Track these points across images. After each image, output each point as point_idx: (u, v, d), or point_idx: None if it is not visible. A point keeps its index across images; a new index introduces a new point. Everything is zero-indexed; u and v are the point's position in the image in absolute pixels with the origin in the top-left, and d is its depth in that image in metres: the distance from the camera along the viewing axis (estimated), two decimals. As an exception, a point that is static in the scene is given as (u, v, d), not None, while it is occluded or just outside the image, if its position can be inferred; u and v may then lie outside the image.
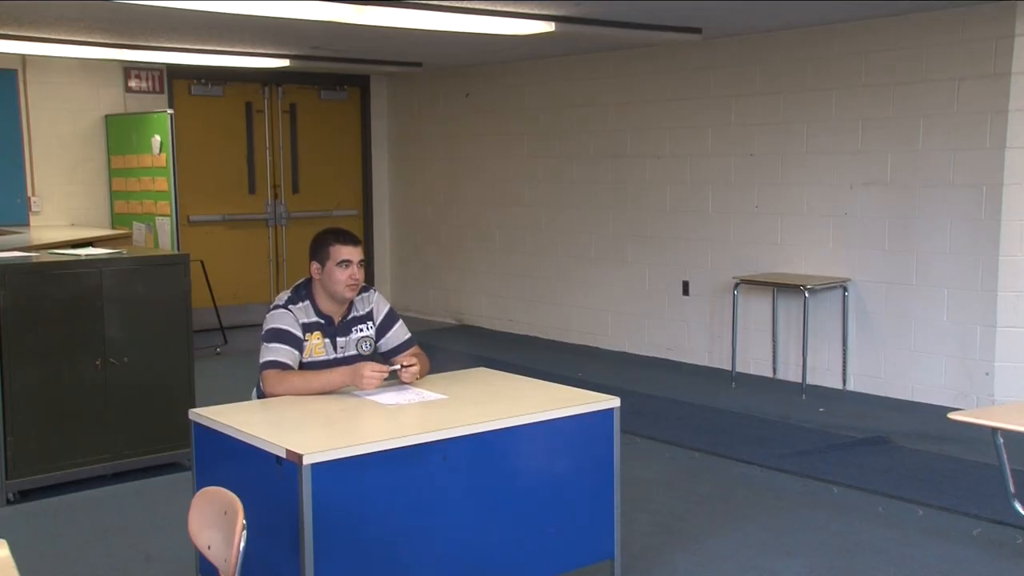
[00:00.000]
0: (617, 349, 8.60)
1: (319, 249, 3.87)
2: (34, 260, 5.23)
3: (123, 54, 7.89)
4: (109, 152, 8.75)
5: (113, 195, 8.76)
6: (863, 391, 7.02)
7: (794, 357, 7.39)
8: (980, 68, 6.30)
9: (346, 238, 3.88)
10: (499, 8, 5.99)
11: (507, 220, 9.56)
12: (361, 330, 3.97)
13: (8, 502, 4.94)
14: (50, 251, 5.81)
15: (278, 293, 4.02)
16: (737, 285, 7.45)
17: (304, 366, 3.82)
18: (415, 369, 3.83)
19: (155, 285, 5.37)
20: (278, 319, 3.81)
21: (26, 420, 4.97)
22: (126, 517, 4.81)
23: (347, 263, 3.82)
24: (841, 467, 5.42)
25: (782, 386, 7.32)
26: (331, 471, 3.01)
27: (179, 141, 7.94)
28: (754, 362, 7.67)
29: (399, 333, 4.04)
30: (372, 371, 3.64)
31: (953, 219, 6.53)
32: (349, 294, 3.86)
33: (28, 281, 4.98)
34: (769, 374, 7.56)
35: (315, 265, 3.87)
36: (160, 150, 7.95)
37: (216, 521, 2.58)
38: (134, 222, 8.35)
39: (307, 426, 3.40)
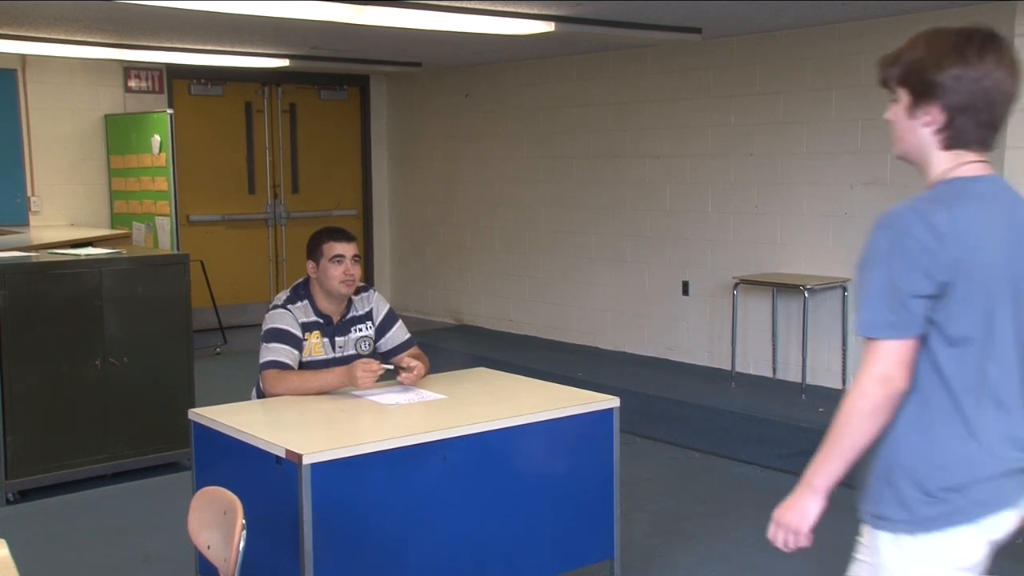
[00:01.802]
0: (617, 349, 8.60)
1: (314, 247, 3.90)
2: (34, 260, 5.23)
3: (123, 54, 7.89)
4: (109, 152, 8.75)
5: (113, 195, 8.76)
6: (863, 391, 7.01)
7: (794, 357, 7.39)
8: (980, 68, 6.30)
9: (339, 235, 3.91)
10: (499, 8, 5.99)
11: (507, 220, 9.56)
12: (360, 330, 3.97)
13: (8, 502, 4.94)
14: (50, 251, 5.81)
15: (277, 293, 4.03)
16: (737, 285, 7.45)
17: (303, 365, 3.82)
18: (416, 375, 3.83)
19: (155, 285, 5.37)
20: (277, 319, 3.82)
21: (26, 420, 4.97)
22: (126, 517, 4.81)
23: (340, 259, 3.84)
24: (841, 467, 5.42)
25: (782, 386, 7.32)
26: (331, 471, 3.01)
27: (179, 141, 7.94)
28: (754, 362, 7.67)
29: (399, 333, 4.04)
30: (364, 369, 3.64)
31: (953, 219, 6.52)
32: (345, 290, 3.87)
33: (28, 281, 4.98)
34: (769, 374, 7.56)
35: (311, 264, 3.90)
36: (160, 150, 7.95)
37: (216, 521, 2.58)
38: (134, 222, 8.35)
39: (307, 426, 3.40)
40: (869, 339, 2.02)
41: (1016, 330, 2.05)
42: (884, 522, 2.06)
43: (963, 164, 2.06)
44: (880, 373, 2.00)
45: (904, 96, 2.08)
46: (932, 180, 2.08)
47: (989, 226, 2.02)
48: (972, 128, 2.03)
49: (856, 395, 2.03)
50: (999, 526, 2.03)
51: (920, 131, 2.07)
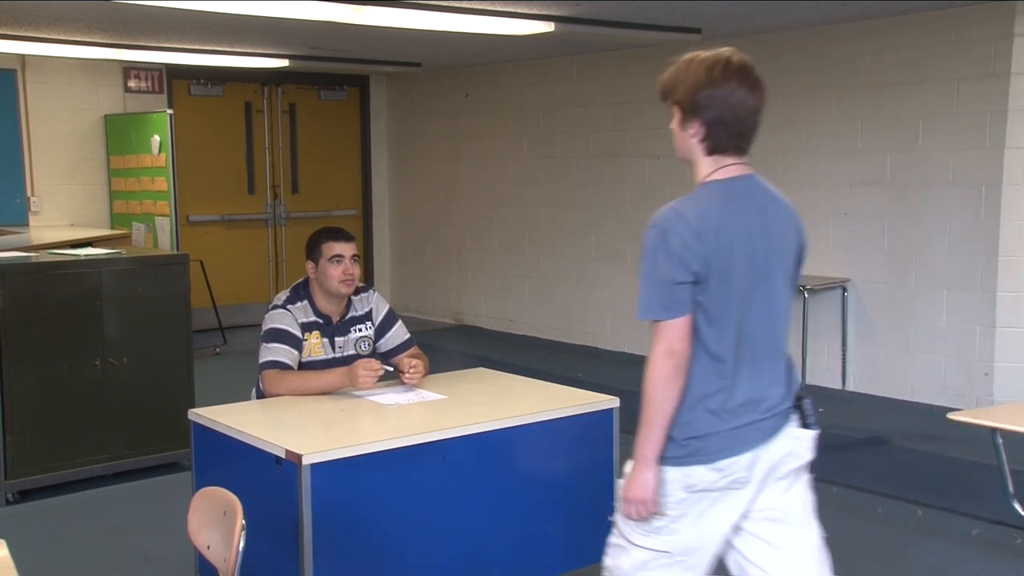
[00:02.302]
0: (617, 349, 8.60)
1: (312, 248, 3.90)
2: (34, 260, 5.23)
3: (123, 54, 7.89)
4: (108, 152, 8.75)
5: (112, 195, 8.76)
6: (862, 391, 7.02)
7: (794, 357, 7.38)
8: (979, 68, 6.30)
9: (337, 234, 3.91)
10: (499, 8, 6.00)
11: (507, 220, 9.56)
12: (360, 330, 3.97)
13: (8, 502, 4.94)
14: (50, 251, 5.81)
15: (277, 293, 4.03)
16: (737, 285, 7.44)
17: (303, 366, 3.82)
18: (419, 374, 3.83)
19: (155, 285, 5.37)
20: (277, 319, 3.82)
21: (26, 420, 4.97)
22: (126, 517, 4.81)
23: (339, 258, 3.84)
24: (841, 467, 5.42)
25: (782, 386, 7.30)
26: (331, 471, 3.01)
27: (178, 141, 7.94)
28: (754, 362, 7.66)
29: (399, 333, 4.04)
30: (366, 369, 3.64)
31: (953, 219, 6.53)
32: (344, 290, 3.87)
33: (28, 281, 4.98)
34: (769, 374, 7.55)
35: (310, 264, 3.90)
36: (159, 150, 7.95)
37: (215, 521, 2.58)
38: (134, 222, 8.35)
39: (307, 426, 3.40)
40: (652, 321, 2.46)
41: (767, 308, 2.53)
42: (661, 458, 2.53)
43: (722, 167, 2.54)
44: (664, 348, 2.46)
45: (676, 112, 2.55)
46: (699, 181, 2.59)
47: (741, 220, 2.50)
48: (726, 137, 2.50)
49: (651, 371, 2.49)
50: (734, 465, 2.50)
51: (689, 140, 2.55)
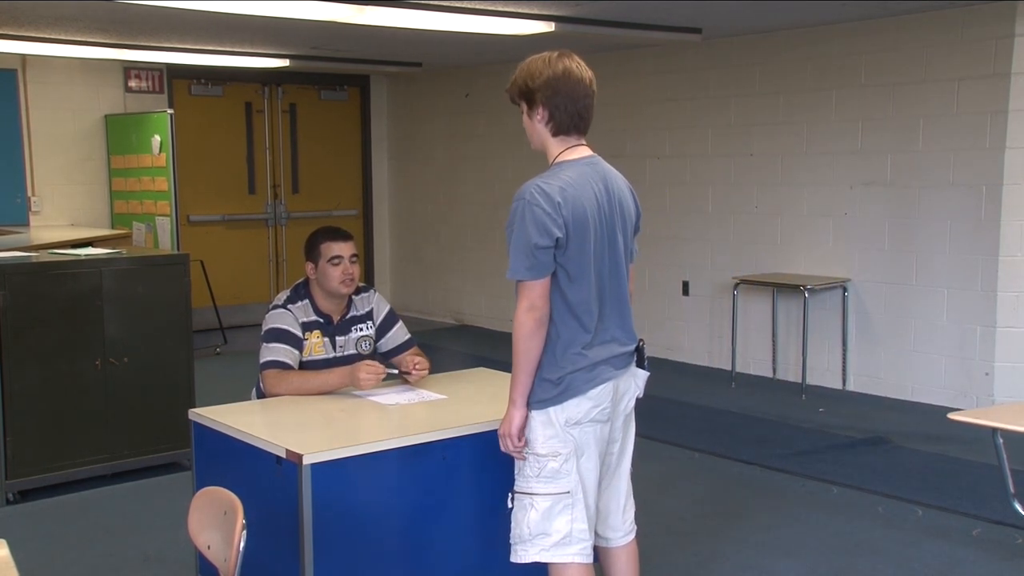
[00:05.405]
0: (617, 349, 8.58)
1: (311, 249, 3.90)
2: (34, 260, 5.23)
3: (123, 54, 7.89)
4: (109, 152, 8.75)
5: (113, 195, 8.76)
6: (863, 391, 7.02)
7: (794, 357, 7.40)
8: (980, 68, 6.30)
9: (336, 234, 3.91)
10: (499, 8, 6.00)
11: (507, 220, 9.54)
12: (361, 329, 3.97)
13: (8, 502, 4.94)
14: (50, 251, 5.81)
15: (278, 293, 4.03)
16: (737, 285, 7.45)
17: (304, 365, 3.82)
18: (423, 373, 3.83)
19: (155, 285, 5.37)
20: (277, 319, 3.82)
21: (26, 420, 4.97)
22: (126, 517, 4.81)
23: (339, 259, 3.84)
24: (841, 467, 5.43)
25: (782, 386, 7.32)
26: (331, 471, 3.00)
27: (179, 141, 7.94)
28: (754, 362, 7.67)
29: (399, 334, 4.04)
30: (368, 371, 3.64)
31: (953, 219, 6.53)
32: (345, 289, 3.87)
33: (28, 281, 4.98)
34: (769, 374, 7.56)
35: (309, 265, 3.90)
36: (160, 150, 7.95)
37: (216, 521, 2.57)
38: (134, 222, 8.35)
39: (307, 426, 3.40)
40: (518, 281, 2.81)
41: (614, 266, 2.97)
42: (533, 404, 2.92)
43: (569, 148, 2.94)
44: (528, 305, 2.81)
45: (523, 105, 2.93)
46: (551, 161, 2.95)
47: (591, 193, 2.87)
48: (567, 118, 2.89)
49: (517, 325, 2.83)
50: (601, 393, 2.94)
51: (538, 127, 2.94)
